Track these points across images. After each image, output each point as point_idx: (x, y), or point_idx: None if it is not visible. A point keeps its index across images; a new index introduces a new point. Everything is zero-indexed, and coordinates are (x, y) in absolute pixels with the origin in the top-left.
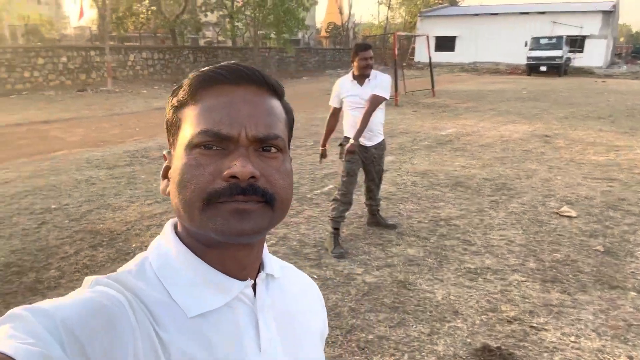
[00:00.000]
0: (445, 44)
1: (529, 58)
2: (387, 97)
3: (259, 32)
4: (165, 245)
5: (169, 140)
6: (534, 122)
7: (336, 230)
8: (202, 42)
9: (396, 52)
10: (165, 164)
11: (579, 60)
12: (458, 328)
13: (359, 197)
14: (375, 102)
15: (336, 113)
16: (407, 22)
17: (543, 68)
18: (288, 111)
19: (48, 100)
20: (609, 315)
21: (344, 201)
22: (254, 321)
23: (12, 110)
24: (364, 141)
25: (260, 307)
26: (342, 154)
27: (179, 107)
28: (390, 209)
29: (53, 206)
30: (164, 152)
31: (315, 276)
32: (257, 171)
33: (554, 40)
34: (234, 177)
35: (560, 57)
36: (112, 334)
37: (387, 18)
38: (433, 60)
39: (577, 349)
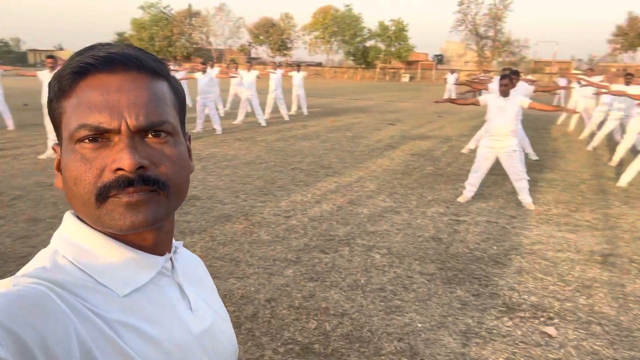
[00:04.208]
0: None
1: None
2: None
3: None
4: (76, 234)
5: (56, 132)
6: None
7: None
8: None
9: None
10: (57, 157)
11: None
12: None
13: None
14: None
15: None
16: None
17: None
18: (176, 91)
19: None
20: None
21: None
22: (177, 288)
23: None
24: None
25: (181, 275)
26: None
27: (58, 99)
28: None
29: None
30: (54, 144)
31: None
32: (145, 160)
33: None
34: (120, 169)
35: None
36: (46, 319)
37: None
38: None
39: None
